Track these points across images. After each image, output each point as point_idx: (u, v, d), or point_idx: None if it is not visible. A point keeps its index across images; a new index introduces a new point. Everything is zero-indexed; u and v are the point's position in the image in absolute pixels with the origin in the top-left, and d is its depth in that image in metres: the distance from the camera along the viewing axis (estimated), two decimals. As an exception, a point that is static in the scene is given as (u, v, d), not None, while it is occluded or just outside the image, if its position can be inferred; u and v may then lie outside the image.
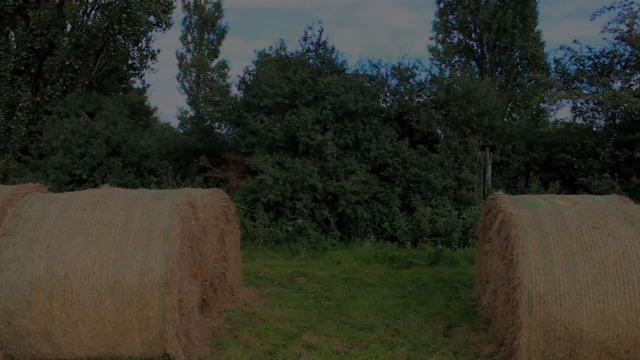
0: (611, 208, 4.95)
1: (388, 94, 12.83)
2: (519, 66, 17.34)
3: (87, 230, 4.75)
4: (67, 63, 13.76)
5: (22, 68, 13.72)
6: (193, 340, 4.94)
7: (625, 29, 12.72)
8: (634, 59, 12.82)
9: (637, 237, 4.51)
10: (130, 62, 16.51)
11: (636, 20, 12.63)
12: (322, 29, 12.82)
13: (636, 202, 6.20)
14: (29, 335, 4.56)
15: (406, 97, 12.59)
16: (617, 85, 13.08)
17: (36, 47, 13.69)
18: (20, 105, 13.63)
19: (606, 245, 4.49)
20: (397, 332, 5.66)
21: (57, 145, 12.41)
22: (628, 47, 12.83)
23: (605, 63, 13.38)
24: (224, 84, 24.52)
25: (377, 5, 49.69)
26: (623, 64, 13.21)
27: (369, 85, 12.43)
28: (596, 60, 13.48)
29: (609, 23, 13.21)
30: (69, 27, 14.48)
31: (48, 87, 14.03)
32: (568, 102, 13.64)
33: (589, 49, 13.61)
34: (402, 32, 49.41)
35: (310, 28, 12.98)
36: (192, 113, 15.70)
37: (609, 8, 13.22)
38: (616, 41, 13.03)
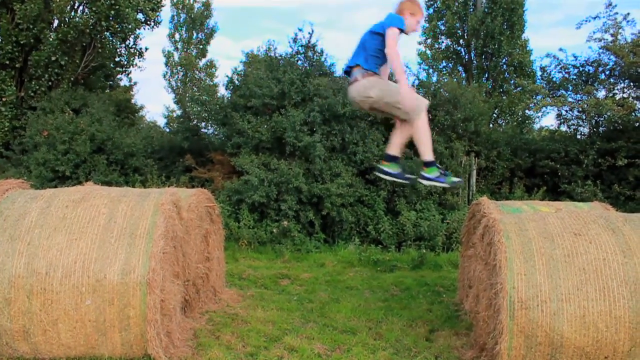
0: (593, 215, 5.00)
1: (375, 97, 12.83)
2: (506, 73, 17.49)
3: (69, 228, 4.70)
4: (53, 58, 13.61)
5: (7, 62, 13.54)
6: (174, 341, 4.91)
7: (610, 38, 12.89)
8: (618, 68, 12.97)
9: (617, 244, 4.56)
10: (117, 59, 16.39)
11: (620, 30, 12.80)
12: (313, 31, 12.85)
13: (617, 210, 6.27)
14: (7, 333, 4.49)
15: (393, 101, 12.60)
16: (601, 93, 13.25)
17: (21, 42, 13.52)
18: (3, 100, 13.45)
19: (587, 252, 4.54)
20: (379, 336, 5.67)
21: (41, 141, 12.28)
22: (612, 57, 12.99)
23: (590, 72, 13.53)
24: (212, 83, 24.44)
25: (366, 9, 49.89)
26: (607, 73, 13.37)
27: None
28: (581, 69, 13.63)
29: (594, 32, 13.39)
30: (55, 22, 14.35)
31: (33, 83, 13.86)
32: (553, 110, 13.79)
33: (575, 57, 13.82)
34: (390, 36, 49.56)
35: (300, 30, 13.00)
36: (178, 112, 15.58)
37: (594, 18, 13.39)
38: (601, 50, 13.20)
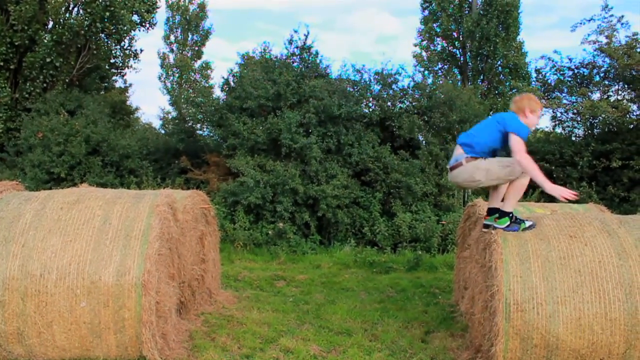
0: (588, 217, 5.01)
1: (371, 99, 12.86)
2: (501, 75, 17.53)
3: (63, 229, 4.68)
4: (47, 60, 13.58)
5: (1, 64, 13.50)
6: (169, 343, 4.89)
7: (604, 40, 12.93)
8: (613, 70, 13.01)
9: (613, 246, 4.57)
10: (112, 61, 16.36)
11: (615, 32, 12.84)
12: (308, 32, 12.86)
13: (612, 212, 6.29)
14: (1, 336, 4.47)
15: (389, 103, 12.63)
16: (595, 95, 13.27)
17: (16, 43, 13.48)
18: (-2, 101, 13.43)
19: (583, 254, 4.55)
20: (375, 337, 5.67)
21: (35, 142, 12.24)
22: (607, 59, 13.02)
23: (585, 74, 13.55)
24: (207, 85, 24.41)
25: (363, 10, 49.98)
26: (602, 75, 13.40)
27: (352, 90, 12.45)
28: (576, 71, 13.66)
29: (588, 35, 13.40)
30: (50, 23, 14.30)
31: (28, 84, 13.83)
32: (548, 111, 13.80)
33: (569, 59, 13.77)
34: (386, 37, 49.74)
35: (296, 31, 12.98)
36: (174, 114, 15.55)
37: (589, 20, 13.42)
38: (595, 52, 13.23)
